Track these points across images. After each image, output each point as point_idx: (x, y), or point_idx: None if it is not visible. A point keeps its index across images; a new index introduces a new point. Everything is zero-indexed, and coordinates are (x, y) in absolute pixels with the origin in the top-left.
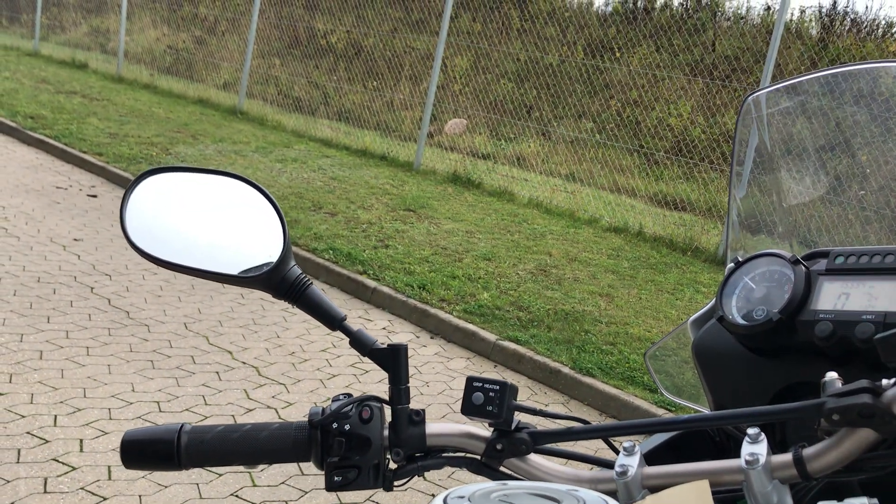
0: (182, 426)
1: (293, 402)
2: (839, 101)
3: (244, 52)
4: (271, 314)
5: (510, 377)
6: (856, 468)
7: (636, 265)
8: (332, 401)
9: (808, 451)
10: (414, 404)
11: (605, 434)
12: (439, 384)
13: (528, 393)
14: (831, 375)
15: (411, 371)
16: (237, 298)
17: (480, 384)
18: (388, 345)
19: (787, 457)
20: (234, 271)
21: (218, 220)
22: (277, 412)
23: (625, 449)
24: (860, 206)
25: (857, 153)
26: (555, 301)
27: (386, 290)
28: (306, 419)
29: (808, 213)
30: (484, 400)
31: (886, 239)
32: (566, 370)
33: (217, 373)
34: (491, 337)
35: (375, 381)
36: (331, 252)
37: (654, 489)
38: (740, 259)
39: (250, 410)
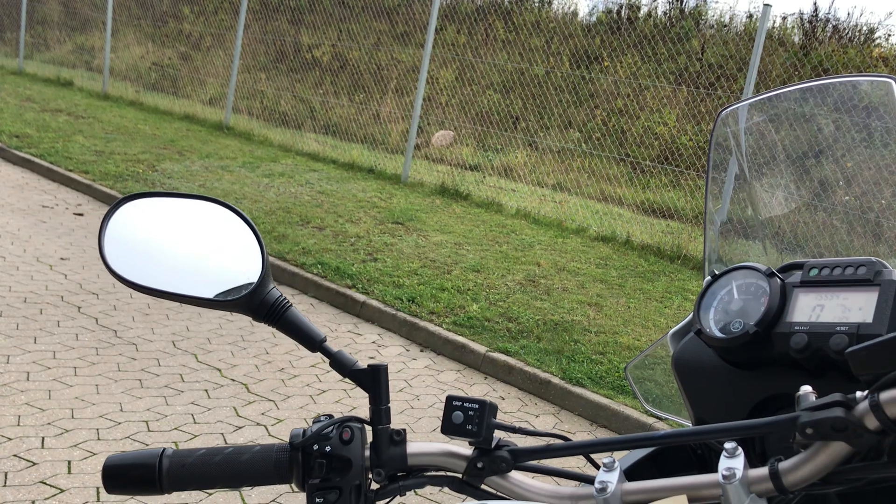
0: (163, 451)
1: (283, 419)
2: (812, 114)
3: (230, 68)
4: (260, 331)
5: (500, 389)
6: (831, 481)
7: (624, 274)
8: (314, 422)
9: (783, 465)
10: (404, 418)
11: (584, 450)
12: (429, 397)
13: (519, 404)
14: (805, 389)
15: (401, 385)
16: (225, 315)
17: (460, 403)
18: (369, 365)
19: (764, 471)
20: (214, 295)
21: (196, 244)
22: (267, 429)
23: (604, 465)
24: (842, 212)
25: (832, 163)
26: (544, 311)
27: (375, 303)
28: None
29: (785, 224)
30: (464, 419)
31: (872, 245)
32: (556, 381)
33: (206, 391)
34: (481, 349)
35: (365, 396)
36: (319, 266)
37: None
38: (717, 272)
39: (240, 428)
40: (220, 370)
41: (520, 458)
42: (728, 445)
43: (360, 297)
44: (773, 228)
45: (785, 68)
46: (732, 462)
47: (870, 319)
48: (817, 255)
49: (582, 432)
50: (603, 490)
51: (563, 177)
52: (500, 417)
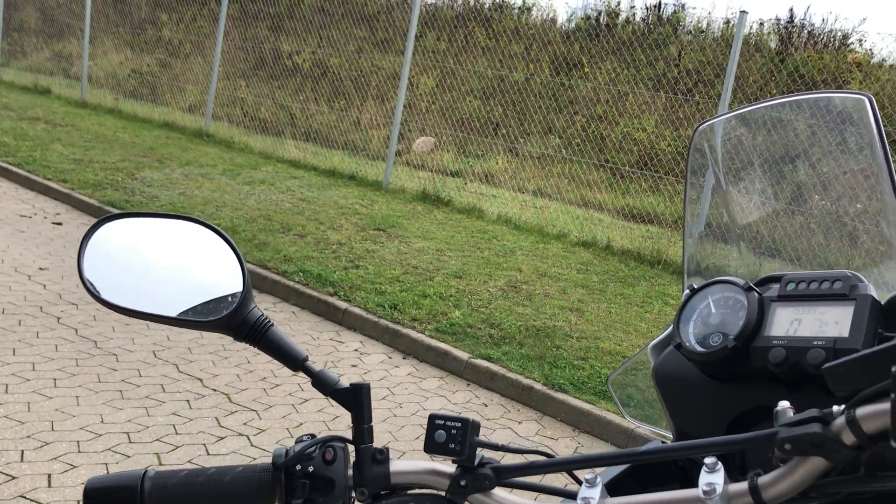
0: (145, 472)
1: (265, 429)
2: (789, 120)
3: (209, 75)
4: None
5: (483, 395)
6: (810, 495)
7: (605, 279)
8: (296, 442)
9: (763, 480)
10: (387, 426)
11: (567, 467)
12: (412, 405)
13: (502, 411)
14: (783, 405)
15: (384, 392)
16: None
17: (442, 422)
18: (351, 384)
19: (743, 486)
20: (195, 315)
21: (176, 264)
22: (249, 439)
23: (586, 480)
24: (819, 216)
25: (808, 168)
26: (526, 317)
27: (357, 310)
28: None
29: (763, 229)
30: (446, 437)
31: (849, 250)
32: (539, 386)
33: (188, 401)
34: (463, 356)
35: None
36: (301, 274)
37: None
38: (695, 286)
39: (221, 439)
40: (201, 380)
41: (503, 476)
42: (708, 461)
43: (342, 305)
44: (750, 233)
45: (762, 74)
46: (713, 477)
47: (846, 334)
48: (795, 259)
49: (564, 437)
50: None
51: (543, 182)
52: (484, 425)
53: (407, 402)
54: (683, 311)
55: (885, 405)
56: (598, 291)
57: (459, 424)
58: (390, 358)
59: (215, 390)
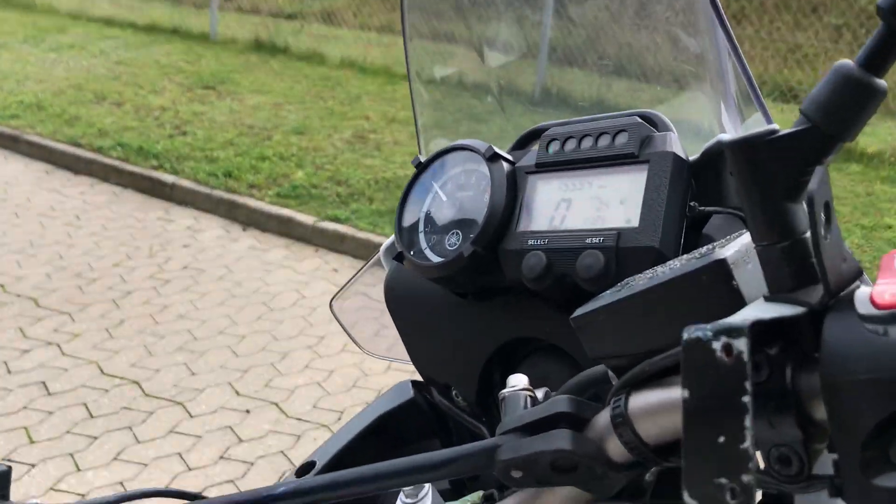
0: None
1: (79, 333)
2: None
3: None
4: (52, 231)
5: (333, 260)
6: None
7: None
8: None
9: None
10: (225, 310)
11: None
12: (254, 282)
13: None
14: (515, 382)
15: (221, 272)
16: (11, 220)
17: None
18: None
19: None
20: None
21: None
22: (60, 348)
23: None
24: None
25: None
26: (375, 170)
27: (187, 183)
28: None
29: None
30: None
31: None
32: None
33: None
34: (309, 220)
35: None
36: (119, 148)
37: None
38: (422, 160)
39: (27, 352)
40: (2, 286)
41: None
42: (404, 493)
43: (169, 179)
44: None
45: None
46: None
47: (635, 222)
48: (580, 107)
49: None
50: None
51: (390, 16)
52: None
53: (248, 280)
54: (408, 200)
55: (668, 395)
56: None
57: None
58: (228, 232)
59: (19, 296)
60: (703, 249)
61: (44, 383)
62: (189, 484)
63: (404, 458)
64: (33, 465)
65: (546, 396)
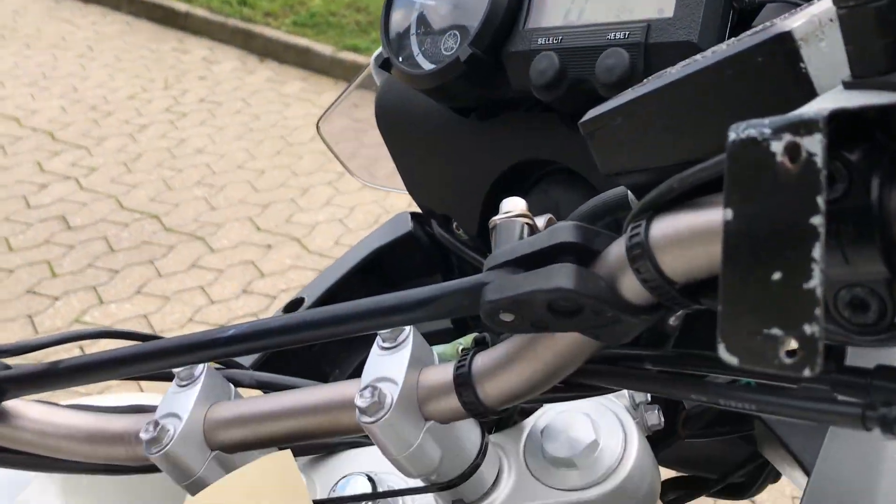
0: None
1: (97, 167)
2: None
3: None
4: (65, 63)
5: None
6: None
7: None
8: None
9: (477, 366)
10: (244, 144)
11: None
12: (272, 115)
13: None
14: (510, 207)
15: (238, 105)
16: (22, 51)
17: None
18: None
19: (443, 373)
20: None
21: None
22: (78, 182)
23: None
24: None
25: None
26: None
27: (200, 12)
28: None
29: None
30: None
31: None
32: None
33: (2, 146)
34: (327, 50)
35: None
36: None
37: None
38: None
39: (45, 186)
40: (17, 119)
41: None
42: (381, 338)
43: (183, 7)
44: None
45: None
46: (384, 361)
47: (669, 12)
48: None
49: None
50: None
51: None
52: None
53: (266, 113)
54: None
55: (704, 218)
56: None
57: None
58: (244, 63)
59: (35, 129)
60: (759, 27)
61: (63, 217)
62: (212, 317)
63: (370, 299)
64: (57, 298)
65: (549, 225)
